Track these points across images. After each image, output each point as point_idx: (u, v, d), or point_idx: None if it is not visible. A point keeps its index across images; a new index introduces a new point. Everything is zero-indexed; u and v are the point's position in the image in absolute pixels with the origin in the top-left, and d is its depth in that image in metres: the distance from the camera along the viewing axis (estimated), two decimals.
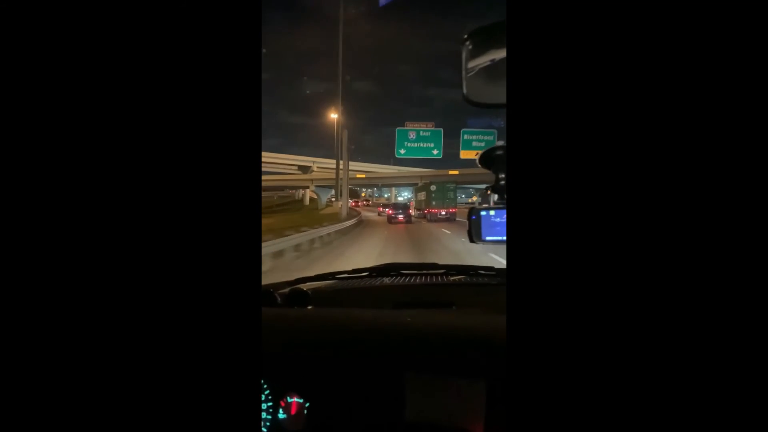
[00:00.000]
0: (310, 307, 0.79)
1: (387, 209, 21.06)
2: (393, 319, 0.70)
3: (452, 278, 0.96)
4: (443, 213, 19.18)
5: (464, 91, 0.53)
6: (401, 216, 17.85)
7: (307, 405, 0.63)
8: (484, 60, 0.52)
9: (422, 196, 23.75)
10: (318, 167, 39.58)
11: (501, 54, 0.52)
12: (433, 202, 21.37)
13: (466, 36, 0.53)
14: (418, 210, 22.95)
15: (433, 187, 22.26)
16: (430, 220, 19.37)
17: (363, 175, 35.09)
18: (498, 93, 0.54)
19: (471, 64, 0.53)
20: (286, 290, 0.86)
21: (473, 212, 0.66)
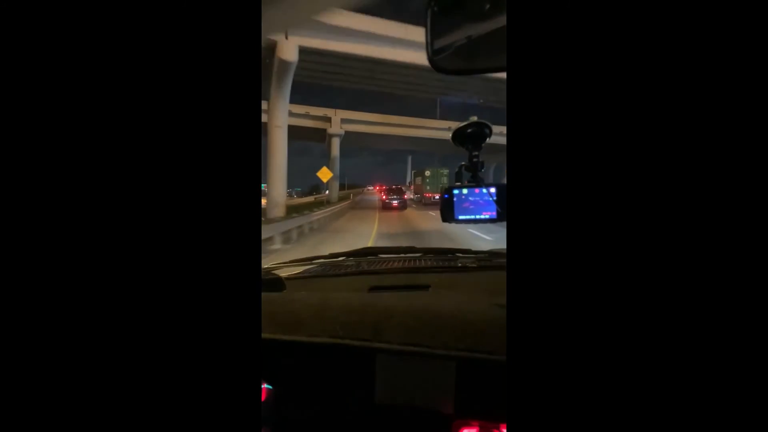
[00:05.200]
0: (282, 294, 0.77)
1: (381, 194, 21.08)
2: (366, 301, 0.68)
3: (429, 261, 0.94)
4: (436, 197, 19.55)
5: (429, 55, 0.49)
6: (396, 202, 17.73)
7: (276, 391, 0.61)
8: (448, 24, 0.49)
9: (419, 181, 24.00)
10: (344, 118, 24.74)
11: (470, 17, 0.49)
12: (427, 187, 21.68)
13: None
14: (417, 194, 23.26)
15: (427, 173, 22.53)
16: (425, 204, 19.61)
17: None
18: (466, 58, 0.51)
19: (437, 28, 0.50)
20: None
21: (446, 191, 0.63)
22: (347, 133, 25.06)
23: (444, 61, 0.49)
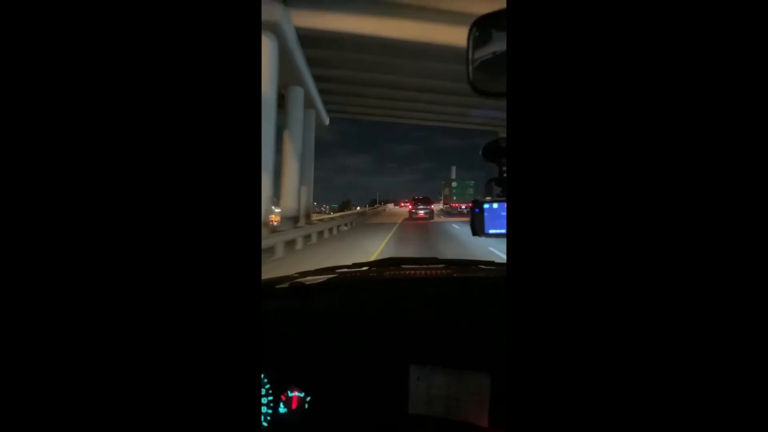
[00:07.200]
0: (311, 302, 0.80)
1: (408, 204, 21.22)
2: (394, 312, 0.70)
3: (452, 273, 0.95)
4: (462, 207, 19.85)
5: (469, 78, 0.52)
6: (422, 212, 17.74)
7: (308, 399, 0.63)
8: (489, 48, 0.52)
9: (446, 191, 24.21)
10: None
11: (505, 42, 0.51)
12: (454, 197, 21.88)
13: (472, 24, 0.52)
14: (445, 204, 23.62)
15: (453, 184, 22.74)
16: (451, 214, 19.77)
17: None
18: (503, 81, 0.53)
19: (477, 52, 0.52)
20: (286, 284, 0.86)
21: (476, 205, 0.65)
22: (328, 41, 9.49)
23: (484, 83, 0.52)
